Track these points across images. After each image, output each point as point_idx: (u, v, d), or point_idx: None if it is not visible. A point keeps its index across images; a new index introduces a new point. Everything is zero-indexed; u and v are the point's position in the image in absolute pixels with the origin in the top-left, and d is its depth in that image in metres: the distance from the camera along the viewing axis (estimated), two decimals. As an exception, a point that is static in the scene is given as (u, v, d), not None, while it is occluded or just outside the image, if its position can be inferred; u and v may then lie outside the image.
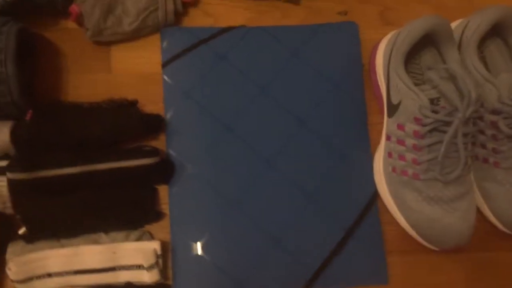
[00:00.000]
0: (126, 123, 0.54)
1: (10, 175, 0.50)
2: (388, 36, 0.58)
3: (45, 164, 0.52)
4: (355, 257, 0.54)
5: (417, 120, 0.50)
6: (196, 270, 0.53)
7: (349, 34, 0.61)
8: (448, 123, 0.49)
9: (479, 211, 0.56)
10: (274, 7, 0.63)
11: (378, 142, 0.58)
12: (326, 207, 0.55)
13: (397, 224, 0.56)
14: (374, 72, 0.59)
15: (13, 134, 0.52)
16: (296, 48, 0.60)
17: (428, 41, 0.55)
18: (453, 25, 0.57)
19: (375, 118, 0.59)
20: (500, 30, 0.54)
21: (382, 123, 0.58)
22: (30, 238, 0.51)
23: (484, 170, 0.54)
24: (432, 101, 0.51)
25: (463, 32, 0.54)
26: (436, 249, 0.53)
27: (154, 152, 0.54)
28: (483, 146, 0.54)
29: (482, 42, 0.56)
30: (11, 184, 0.50)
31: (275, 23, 0.62)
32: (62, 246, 0.52)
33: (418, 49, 0.56)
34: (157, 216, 0.55)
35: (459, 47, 0.54)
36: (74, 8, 0.56)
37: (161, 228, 0.55)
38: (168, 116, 0.57)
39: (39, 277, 0.51)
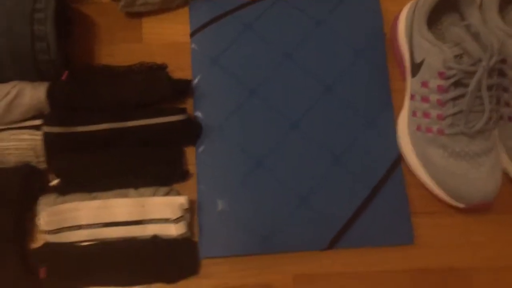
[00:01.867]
0: (156, 85, 0.56)
1: (46, 128, 0.53)
2: (409, 4, 0.60)
3: (79, 120, 0.54)
4: (380, 216, 0.54)
5: (440, 75, 0.51)
6: (222, 227, 0.54)
7: (370, 5, 0.63)
8: (471, 74, 0.49)
9: (505, 174, 0.56)
10: (298, -19, 0.65)
11: (400, 108, 0.59)
12: (351, 167, 0.56)
13: (422, 186, 0.56)
14: (396, 39, 0.60)
15: (49, 92, 0.54)
16: (320, 18, 0.62)
17: (449, 6, 0.56)
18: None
19: (397, 84, 0.60)
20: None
21: (404, 90, 0.59)
22: (62, 190, 0.53)
23: (509, 128, 0.54)
24: (455, 57, 0.52)
25: (483, -6, 0.56)
26: (462, 205, 0.53)
27: (182, 110, 0.55)
28: (507, 104, 0.54)
29: (503, 8, 0.57)
30: (47, 137, 0.52)
31: (299, -2, 0.64)
32: (93, 199, 0.53)
33: (440, 14, 0.57)
34: (184, 175, 0.56)
35: (480, 9, 0.55)
36: (109, -19, 0.60)
37: (188, 187, 0.56)
38: (195, 81, 0.59)
39: (69, 228, 0.52)
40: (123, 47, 0.61)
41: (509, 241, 0.55)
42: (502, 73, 0.53)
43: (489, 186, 0.51)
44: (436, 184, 0.54)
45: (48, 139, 0.52)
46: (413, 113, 0.55)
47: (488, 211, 0.56)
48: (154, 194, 0.54)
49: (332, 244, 0.53)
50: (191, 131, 0.56)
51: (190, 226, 0.54)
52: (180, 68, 0.60)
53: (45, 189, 0.54)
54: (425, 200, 0.56)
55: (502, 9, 0.56)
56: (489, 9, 0.54)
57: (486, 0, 0.54)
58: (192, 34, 0.61)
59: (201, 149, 0.56)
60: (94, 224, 0.52)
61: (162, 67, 0.58)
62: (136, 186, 0.54)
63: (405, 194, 0.55)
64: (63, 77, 0.55)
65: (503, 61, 0.52)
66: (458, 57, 0.53)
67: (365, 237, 0.54)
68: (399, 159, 0.57)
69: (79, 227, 0.52)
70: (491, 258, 0.54)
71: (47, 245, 0.52)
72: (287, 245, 0.53)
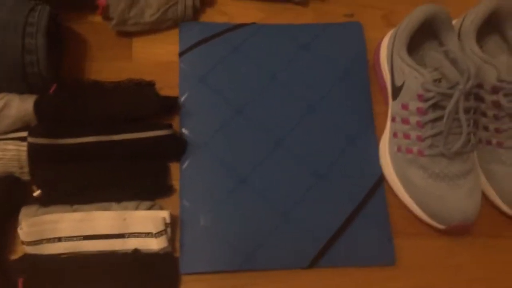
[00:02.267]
0: (143, 100, 0.57)
1: (30, 139, 0.53)
2: (391, 31, 0.62)
3: (64, 133, 0.54)
4: (362, 236, 0.55)
5: (419, 97, 0.52)
6: (203, 243, 0.54)
7: (354, 32, 0.66)
8: (449, 97, 0.51)
9: (485, 197, 0.57)
10: (285, 9, 0.68)
11: (383, 130, 0.60)
12: (334, 186, 0.56)
13: (404, 207, 0.57)
14: (379, 65, 0.62)
15: (36, 105, 0.55)
16: (305, 43, 0.64)
17: (428, 32, 0.58)
18: (453, 22, 0.61)
19: (380, 108, 0.62)
20: (497, 21, 0.57)
21: (386, 113, 0.60)
22: (44, 201, 0.53)
23: (488, 152, 0.56)
24: (434, 81, 0.54)
25: (461, 24, 0.58)
26: (442, 227, 0.53)
27: (167, 125, 0.56)
28: (486, 128, 0.55)
29: (481, 38, 0.59)
30: (31, 147, 0.53)
31: (286, 23, 0.66)
32: (75, 211, 0.53)
33: (420, 41, 0.59)
34: (168, 190, 0.56)
35: (459, 36, 0.58)
36: (101, 1, 0.61)
37: (171, 203, 0.56)
38: (182, 98, 0.60)
39: (49, 240, 0.52)
40: (112, 64, 0.62)
41: (490, 263, 0.55)
42: (479, 98, 0.55)
43: (468, 207, 0.52)
44: (416, 205, 0.54)
45: (32, 149, 0.53)
46: (394, 135, 0.56)
47: (469, 234, 0.56)
48: (137, 208, 0.54)
49: (314, 262, 0.53)
50: (176, 147, 0.57)
51: (171, 241, 0.54)
52: (168, 86, 0.61)
53: (28, 200, 0.53)
54: (407, 220, 0.57)
55: (479, 40, 0.58)
56: (467, 37, 0.56)
57: (465, 29, 0.57)
58: (181, 54, 0.63)
59: (185, 165, 0.57)
60: (74, 237, 0.52)
61: (150, 84, 0.59)
62: (119, 200, 0.54)
63: (387, 214, 0.56)
64: (51, 90, 0.56)
65: (480, 86, 0.54)
66: (437, 81, 0.55)
67: (347, 256, 0.54)
68: (381, 179, 0.58)
69: (59, 239, 0.52)
70: (473, 280, 0.54)
71: (26, 256, 0.51)
72: (269, 262, 0.53)
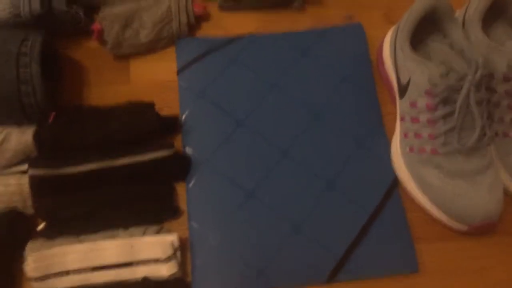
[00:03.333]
0: (144, 123, 0.56)
1: (31, 171, 0.52)
2: (392, 29, 0.60)
3: (65, 162, 0.53)
4: (381, 244, 0.52)
5: (427, 93, 0.50)
6: (215, 264, 0.51)
7: (355, 34, 0.64)
8: (458, 90, 0.48)
9: (507, 192, 0.53)
10: (282, 16, 0.66)
11: (393, 131, 0.57)
12: (346, 194, 0.54)
13: (421, 210, 0.54)
14: (382, 63, 0.60)
15: (36, 136, 0.54)
16: (306, 49, 0.62)
17: (431, 25, 0.56)
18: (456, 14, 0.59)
19: (388, 108, 0.59)
20: (502, 7, 0.55)
21: (395, 113, 0.58)
22: (49, 234, 0.51)
23: (506, 144, 0.53)
24: (441, 75, 0.51)
25: (465, 13, 0.56)
26: (464, 228, 0.50)
27: (169, 145, 0.55)
28: (501, 119, 0.52)
29: (486, 26, 0.57)
30: (32, 180, 0.52)
31: (284, 31, 0.65)
32: (81, 242, 0.51)
33: (423, 35, 0.57)
34: (175, 212, 0.54)
35: (463, 25, 0.55)
36: (96, 25, 0.61)
37: (179, 225, 0.54)
38: (183, 117, 0.59)
39: (56, 274, 0.50)
40: (111, 88, 0.61)
41: (518, 263, 0.52)
42: (491, 89, 0.52)
43: (490, 204, 0.49)
44: (435, 207, 0.52)
45: (34, 181, 0.52)
46: (404, 135, 0.54)
47: (494, 233, 0.53)
48: (144, 233, 0.52)
49: (332, 276, 0.51)
50: (180, 166, 0.55)
51: (182, 265, 0.52)
52: (168, 105, 0.60)
53: (33, 235, 0.52)
54: (426, 224, 0.54)
55: (485, 28, 0.56)
56: (472, 25, 0.54)
57: (469, 17, 0.54)
58: (179, 72, 0.61)
59: (191, 184, 0.55)
60: (82, 269, 0.50)
61: (149, 105, 0.58)
62: (125, 226, 0.52)
63: (405, 219, 0.53)
64: (50, 119, 0.55)
65: (491, 76, 0.51)
66: (444, 74, 0.52)
67: (366, 267, 0.51)
68: (395, 183, 0.55)
69: (67, 272, 0.50)
70: (502, 281, 0.51)
71: (33, 293, 0.50)
72: (284, 279, 0.51)
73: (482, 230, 0.51)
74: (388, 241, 0.52)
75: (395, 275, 0.51)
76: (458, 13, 0.57)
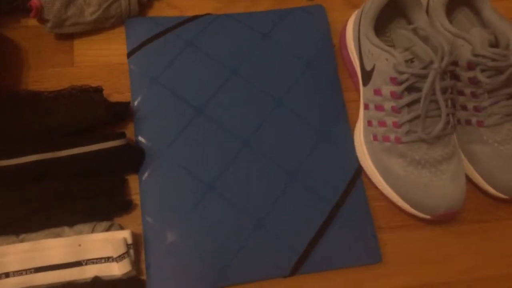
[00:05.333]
0: (89, 109, 0.51)
1: (-38, 164, 0.46)
2: (354, 13, 0.58)
3: (2, 153, 0.48)
4: (344, 235, 0.50)
5: (392, 80, 0.48)
6: (172, 262, 0.48)
7: (317, 16, 0.61)
8: (424, 78, 0.47)
9: (469, 180, 0.53)
10: (241, -4, 0.63)
11: (356, 119, 0.56)
12: (309, 185, 0.52)
13: (384, 199, 0.53)
14: (346, 49, 0.58)
15: (-33, 124, 0.48)
16: (265, 31, 0.59)
17: (396, 11, 0.54)
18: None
19: (351, 95, 0.58)
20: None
21: (358, 100, 0.56)
22: (-15, 234, 0.46)
23: (468, 132, 0.52)
24: (406, 62, 0.50)
25: (428, -1, 0.54)
26: (428, 217, 0.50)
27: (120, 134, 0.50)
28: (464, 107, 0.52)
29: (450, 12, 0.56)
30: (-37, 174, 0.46)
31: (243, 12, 0.61)
32: (21, 241, 0.47)
33: (386, 21, 0.55)
34: (127, 205, 0.50)
35: (427, 13, 0.54)
36: (34, 1, 0.55)
37: (132, 220, 0.50)
38: (135, 103, 0.54)
39: (-6, 277, 0.45)
40: (52, 71, 0.56)
41: (481, 250, 0.52)
42: (455, 76, 0.51)
43: (454, 194, 0.48)
44: (398, 196, 0.51)
45: (-34, 176, 0.46)
46: (368, 123, 0.52)
47: (456, 221, 0.53)
48: (93, 231, 0.48)
49: (295, 270, 0.49)
50: (132, 157, 0.51)
51: (136, 263, 0.48)
52: (118, 91, 0.55)
53: (-34, 235, 0.47)
54: (389, 213, 0.53)
55: (448, 13, 0.55)
56: (436, 13, 0.52)
57: (433, 4, 0.53)
58: (129, 54, 0.57)
59: (145, 176, 0.51)
60: (24, 270, 0.46)
61: (97, 90, 0.53)
62: (71, 223, 0.48)
63: (368, 209, 0.52)
64: (-17, 107, 0.49)
65: (455, 63, 0.51)
66: (409, 61, 0.51)
67: (330, 259, 0.49)
68: (359, 172, 0.53)
69: (6, 274, 0.46)
70: (466, 270, 0.51)
71: (-32, 299, 0.45)
72: (245, 276, 0.48)
73: (446, 218, 0.51)
74: (351, 232, 0.51)
75: (359, 267, 0.50)
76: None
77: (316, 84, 0.57)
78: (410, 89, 0.48)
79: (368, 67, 0.52)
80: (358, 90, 0.57)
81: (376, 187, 0.53)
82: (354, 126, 0.56)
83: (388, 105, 0.50)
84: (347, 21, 0.59)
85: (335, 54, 0.60)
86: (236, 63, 0.57)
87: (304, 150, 0.53)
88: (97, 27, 0.58)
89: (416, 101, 0.48)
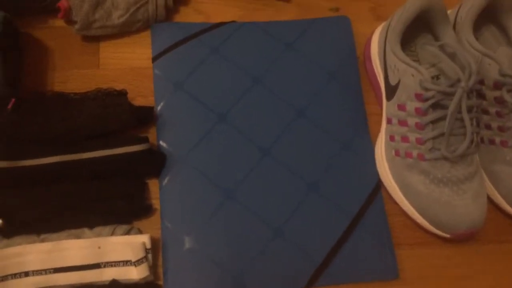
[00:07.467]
0: (114, 112, 0.51)
1: (-13, 163, 0.47)
2: (381, 25, 0.58)
3: (26, 153, 0.48)
4: (362, 249, 0.50)
5: (418, 97, 0.48)
6: (189, 267, 0.48)
7: (341, 27, 0.61)
8: (450, 95, 0.47)
9: (489, 200, 0.53)
10: (266, 5, 0.63)
11: (377, 132, 0.56)
12: (328, 196, 0.52)
13: (403, 215, 0.53)
14: (370, 61, 0.58)
15: (-7, 123, 0.49)
16: (290, 41, 0.59)
17: (422, 26, 0.54)
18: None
19: (372, 108, 0.58)
20: (494, 10, 0.53)
21: (379, 113, 0.56)
22: (7, 232, 0.47)
23: (491, 152, 0.52)
24: (432, 78, 0.50)
25: (456, 14, 0.54)
26: (447, 236, 0.49)
27: (143, 139, 0.51)
28: (488, 126, 0.52)
29: (477, 29, 0.56)
30: (-12, 172, 0.47)
31: (267, 20, 0.61)
32: (42, 241, 0.47)
33: (413, 36, 0.55)
34: (147, 210, 0.51)
35: (454, 29, 0.54)
36: (63, 2, 0.55)
37: (151, 225, 0.51)
38: (158, 108, 0.55)
39: (15, 275, 0.46)
40: (78, 73, 0.56)
41: (498, 271, 0.51)
42: (480, 95, 0.51)
43: (475, 213, 0.48)
44: (418, 213, 0.50)
45: (-9, 174, 0.47)
46: (390, 138, 0.52)
47: (475, 241, 0.52)
48: (112, 234, 0.48)
49: (312, 282, 0.49)
50: (154, 162, 0.51)
51: (153, 268, 0.48)
52: (142, 94, 0.56)
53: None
54: (408, 230, 0.53)
55: (476, 30, 0.55)
56: (464, 30, 0.52)
57: (461, 21, 0.53)
58: (154, 59, 0.57)
59: (165, 181, 0.52)
60: (43, 270, 0.46)
61: (121, 93, 0.53)
62: (91, 225, 0.48)
63: (386, 224, 0.52)
64: (9, 106, 0.50)
65: (481, 82, 0.50)
66: (435, 78, 0.51)
67: (347, 272, 0.49)
68: (378, 187, 0.53)
69: (26, 273, 0.46)
70: (481, 290, 0.50)
71: (-12, 296, 0.45)
72: (262, 285, 0.48)
73: (465, 238, 0.50)
74: (369, 246, 0.51)
75: (376, 281, 0.50)
76: (449, 13, 0.55)
77: (338, 96, 0.57)
78: (435, 106, 0.48)
79: (393, 82, 0.51)
80: (380, 104, 0.56)
81: (395, 202, 0.53)
82: (375, 139, 0.56)
83: (412, 121, 0.49)
84: (371, 33, 0.59)
85: (359, 67, 0.60)
86: (259, 72, 0.57)
87: (324, 161, 0.53)
88: (124, 31, 0.58)
89: (440, 119, 0.48)
